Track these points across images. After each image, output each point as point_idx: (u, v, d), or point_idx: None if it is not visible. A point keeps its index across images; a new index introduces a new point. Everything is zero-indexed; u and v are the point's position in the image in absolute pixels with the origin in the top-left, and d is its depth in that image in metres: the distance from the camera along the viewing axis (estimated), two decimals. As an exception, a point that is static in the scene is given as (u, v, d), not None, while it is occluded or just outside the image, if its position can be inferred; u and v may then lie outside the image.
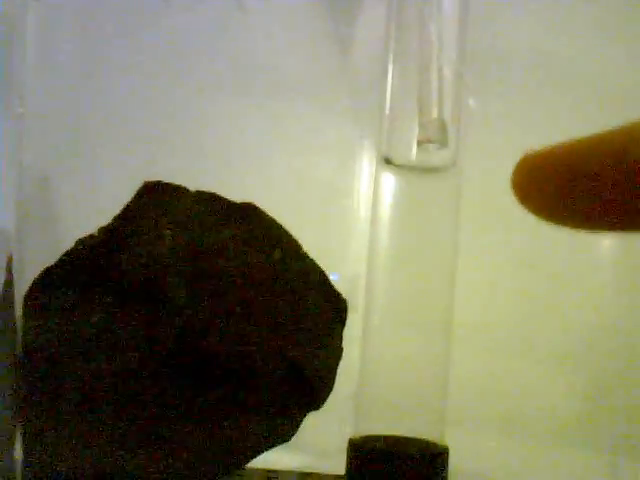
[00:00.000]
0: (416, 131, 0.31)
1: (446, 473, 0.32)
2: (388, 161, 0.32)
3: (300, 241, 0.32)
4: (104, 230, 0.31)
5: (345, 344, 0.33)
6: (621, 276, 0.49)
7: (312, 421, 0.33)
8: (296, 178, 0.49)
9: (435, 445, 0.32)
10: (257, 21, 0.50)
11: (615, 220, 0.15)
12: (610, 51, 0.48)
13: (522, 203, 0.15)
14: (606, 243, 0.49)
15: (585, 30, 0.48)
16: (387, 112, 0.31)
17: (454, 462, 0.33)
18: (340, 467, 0.34)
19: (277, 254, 0.30)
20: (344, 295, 0.33)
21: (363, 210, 0.44)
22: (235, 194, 0.32)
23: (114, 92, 0.50)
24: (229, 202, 0.31)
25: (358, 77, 0.48)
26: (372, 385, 0.34)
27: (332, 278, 0.33)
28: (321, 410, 0.33)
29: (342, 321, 0.33)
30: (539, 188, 0.15)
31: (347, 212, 0.47)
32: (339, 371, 0.33)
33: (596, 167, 0.14)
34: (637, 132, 0.14)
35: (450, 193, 0.32)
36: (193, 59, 0.50)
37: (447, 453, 0.32)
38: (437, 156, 0.31)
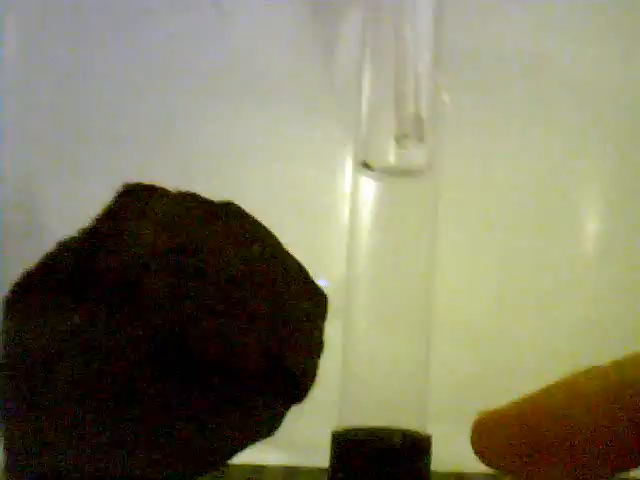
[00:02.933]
0: (392, 134, 0.31)
1: (429, 461, 0.33)
2: (365, 165, 0.32)
3: (284, 244, 0.33)
4: (84, 232, 0.31)
5: (327, 339, 0.34)
6: (604, 268, 0.49)
7: (296, 416, 0.34)
8: (280, 181, 0.49)
9: (417, 434, 0.33)
10: (239, 26, 0.50)
11: (571, 474, 0.16)
12: (585, 47, 0.48)
13: (481, 459, 0.17)
14: (589, 235, 0.50)
15: (563, 26, 0.48)
16: (364, 115, 0.31)
17: (439, 455, 0.34)
18: (324, 461, 0.34)
19: (256, 249, 0.30)
20: (330, 297, 0.34)
21: (348, 213, 0.45)
22: (217, 197, 0.32)
23: (96, 97, 0.50)
24: (208, 201, 0.31)
25: (342, 79, 0.48)
26: (354, 378, 0.34)
27: (321, 284, 0.33)
28: (305, 406, 0.33)
29: (323, 315, 0.33)
30: (496, 447, 0.16)
31: (332, 215, 0.48)
32: (322, 366, 0.33)
33: (545, 428, 0.15)
34: (579, 393, 0.15)
35: (428, 196, 0.33)
36: (176, 64, 0.50)
37: (430, 442, 0.33)
38: (415, 159, 0.32)
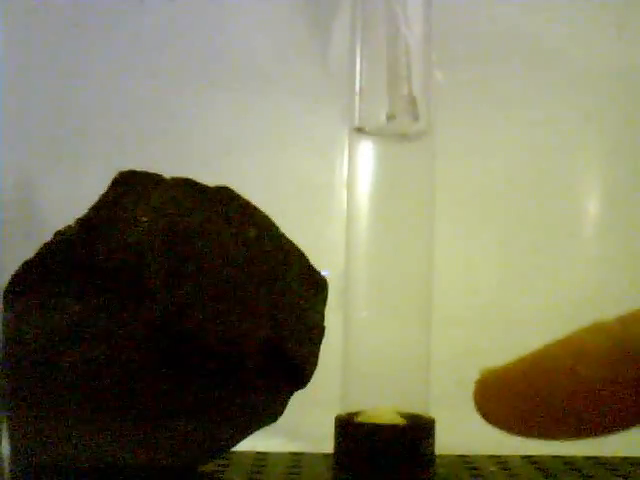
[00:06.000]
0: (385, 114, 0.31)
1: (433, 444, 0.33)
2: (360, 130, 0.32)
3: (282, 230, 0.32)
4: (80, 221, 0.31)
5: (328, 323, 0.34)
6: (602, 249, 0.49)
7: (300, 404, 0.33)
8: (278, 168, 0.49)
9: (421, 417, 0.33)
10: (231, 12, 0.50)
11: (575, 430, 0.16)
12: (579, 23, 0.48)
13: (484, 418, 0.16)
14: (589, 215, 0.49)
15: (555, 5, 0.48)
16: (357, 85, 0.31)
17: (442, 438, 0.34)
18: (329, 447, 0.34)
19: (252, 233, 0.30)
20: (331, 286, 0.33)
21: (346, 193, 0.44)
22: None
23: (95, 93, 0.50)
24: (203, 186, 0.31)
25: (337, 64, 0.48)
26: (357, 362, 0.34)
27: (323, 273, 0.33)
28: (308, 394, 0.33)
29: (323, 299, 0.33)
30: (499, 405, 0.16)
31: (331, 203, 0.47)
32: (324, 350, 0.33)
33: (549, 384, 0.15)
34: (583, 349, 0.15)
35: (424, 159, 0.32)
36: (174, 58, 0.50)
37: (433, 424, 0.33)
38: (409, 126, 0.31)
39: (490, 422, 0.16)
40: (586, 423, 0.15)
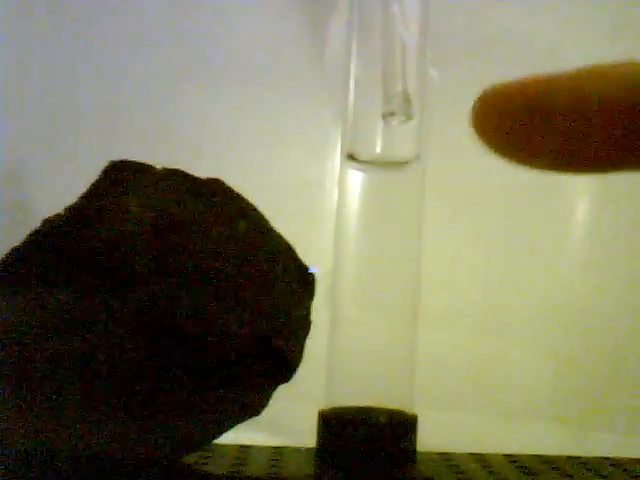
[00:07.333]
0: (380, 112, 0.31)
1: (415, 440, 0.33)
2: (352, 157, 0.32)
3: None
4: (70, 209, 0.31)
5: (314, 320, 0.34)
6: (590, 254, 0.49)
7: (284, 398, 0.34)
8: (270, 168, 0.49)
9: (404, 413, 0.33)
10: (229, 11, 0.50)
11: (569, 160, 0.15)
12: (575, 23, 0.48)
13: (481, 139, 0.15)
14: (578, 219, 0.49)
15: (548, 5, 0.48)
16: (351, 104, 0.31)
17: (425, 437, 0.34)
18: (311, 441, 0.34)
19: (242, 226, 0.30)
20: (320, 284, 0.33)
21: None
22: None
23: (93, 88, 0.50)
24: (195, 178, 0.31)
25: (334, 65, 0.48)
26: (342, 358, 0.34)
27: (312, 271, 0.33)
28: (292, 389, 0.33)
29: (310, 294, 0.33)
30: (498, 124, 0.15)
31: (322, 202, 0.47)
32: (309, 345, 0.33)
33: (554, 105, 0.14)
34: (594, 74, 0.14)
35: (414, 186, 0.33)
36: (167, 51, 0.50)
37: (416, 420, 0.33)
38: (402, 150, 0.32)
39: (486, 143, 0.15)
40: (581, 151, 0.14)
